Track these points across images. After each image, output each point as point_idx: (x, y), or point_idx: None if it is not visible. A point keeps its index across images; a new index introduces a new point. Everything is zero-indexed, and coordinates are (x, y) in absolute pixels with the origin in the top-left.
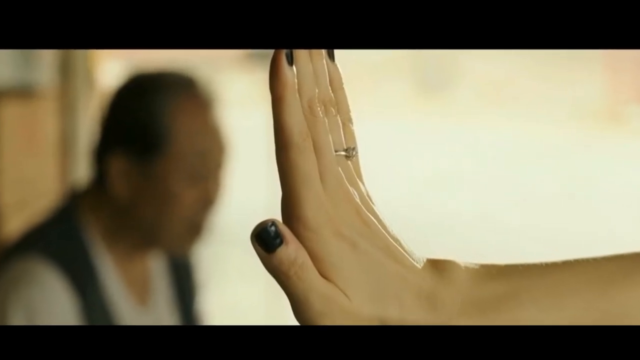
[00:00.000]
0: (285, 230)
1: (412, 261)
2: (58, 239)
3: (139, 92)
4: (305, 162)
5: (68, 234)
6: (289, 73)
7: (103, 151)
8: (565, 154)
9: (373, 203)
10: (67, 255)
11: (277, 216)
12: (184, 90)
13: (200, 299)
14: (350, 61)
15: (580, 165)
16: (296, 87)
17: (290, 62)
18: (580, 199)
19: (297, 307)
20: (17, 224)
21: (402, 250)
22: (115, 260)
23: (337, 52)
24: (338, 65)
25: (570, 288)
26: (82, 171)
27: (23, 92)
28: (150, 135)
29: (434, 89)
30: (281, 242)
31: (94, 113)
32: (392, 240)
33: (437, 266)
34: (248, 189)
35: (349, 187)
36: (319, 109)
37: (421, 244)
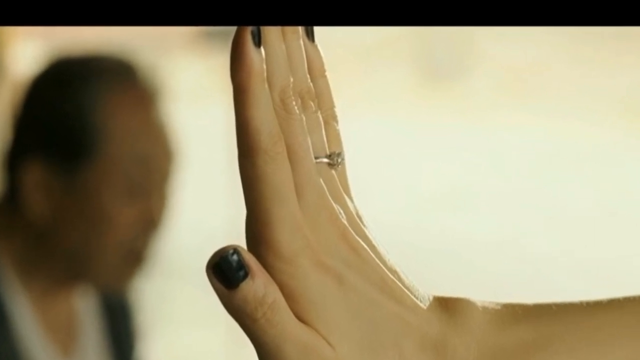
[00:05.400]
0: (250, 260)
1: (415, 299)
2: None
3: (62, 82)
4: (277, 172)
5: None
6: (256, 57)
7: (16, 158)
8: (611, 161)
9: (364, 224)
10: None
11: (241, 241)
12: (120, 79)
13: (141, 347)
14: (336, 42)
15: (629, 176)
16: (265, 75)
17: (258, 42)
18: (629, 219)
19: (267, 358)
20: None
21: (401, 286)
22: (32, 299)
23: (318, 30)
24: (319, 47)
25: (617, 334)
26: None
27: None
28: (76, 137)
29: (443, 78)
30: (246, 275)
31: (5, 109)
32: (388, 273)
33: (446, 306)
34: (203, 207)
35: (333, 204)
36: (294, 103)
37: (426, 277)
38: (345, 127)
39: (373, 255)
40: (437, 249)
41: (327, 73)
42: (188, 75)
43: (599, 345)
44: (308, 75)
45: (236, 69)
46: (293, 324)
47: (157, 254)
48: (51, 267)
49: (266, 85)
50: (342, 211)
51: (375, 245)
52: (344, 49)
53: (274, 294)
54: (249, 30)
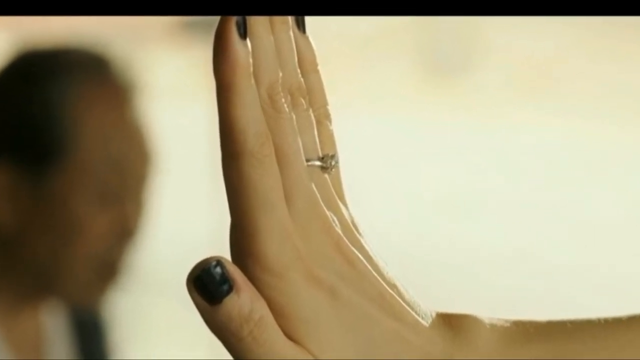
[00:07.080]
0: (235, 273)
1: (416, 316)
2: None
3: (28, 77)
4: (264, 177)
5: None
6: (241, 50)
7: None
8: (634, 164)
9: (360, 234)
10: None
11: (225, 253)
12: (92, 74)
13: None
14: (329, 33)
15: None
16: (251, 69)
17: (243, 34)
18: None
19: None
20: None
21: (401, 301)
22: None
23: (310, 20)
24: (311, 39)
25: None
26: None
27: None
28: (44, 137)
29: (447, 73)
30: (230, 290)
31: None
32: (387, 287)
33: (450, 323)
34: (183, 214)
35: (326, 211)
36: (283, 100)
37: (429, 291)
38: (340, 127)
39: (370, 268)
40: (440, 261)
41: (319, 67)
42: (166, 70)
43: None
44: (299, 70)
45: (220, 63)
46: (282, 342)
47: (133, 266)
48: (17, 280)
49: (253, 81)
50: (335, 219)
51: (372, 256)
52: (339, 41)
53: (261, 310)
54: (233, 20)
